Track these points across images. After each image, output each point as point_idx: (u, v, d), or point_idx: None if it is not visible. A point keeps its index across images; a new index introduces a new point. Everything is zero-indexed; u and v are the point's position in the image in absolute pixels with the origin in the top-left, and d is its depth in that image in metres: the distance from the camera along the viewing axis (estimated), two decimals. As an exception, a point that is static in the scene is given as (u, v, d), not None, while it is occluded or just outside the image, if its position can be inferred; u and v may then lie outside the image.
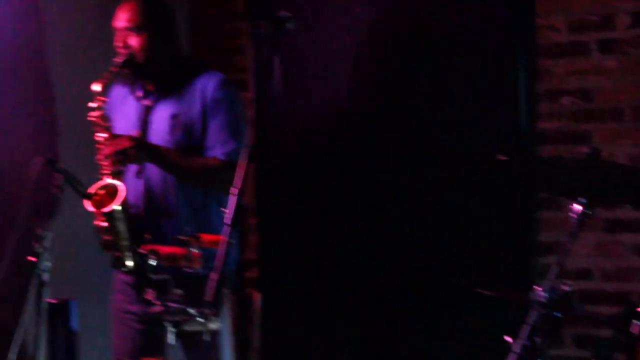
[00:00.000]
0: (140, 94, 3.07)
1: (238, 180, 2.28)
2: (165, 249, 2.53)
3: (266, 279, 3.86)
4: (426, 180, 3.78)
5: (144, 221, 2.97)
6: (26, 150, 3.41)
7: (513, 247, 3.64)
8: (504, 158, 2.14)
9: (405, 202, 3.82)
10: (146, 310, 2.53)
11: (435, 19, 3.78)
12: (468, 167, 3.68)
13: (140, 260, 2.51)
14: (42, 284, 2.59)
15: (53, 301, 2.70)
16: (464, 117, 3.71)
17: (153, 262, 2.49)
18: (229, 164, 2.93)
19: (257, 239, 3.94)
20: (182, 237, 2.47)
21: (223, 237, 2.28)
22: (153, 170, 3.00)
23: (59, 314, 2.64)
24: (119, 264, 2.95)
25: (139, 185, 3.02)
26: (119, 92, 3.12)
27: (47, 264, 2.62)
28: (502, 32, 3.63)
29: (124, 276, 3.06)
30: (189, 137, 3.00)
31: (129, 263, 2.92)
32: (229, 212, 2.24)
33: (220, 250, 2.20)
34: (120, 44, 2.99)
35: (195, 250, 2.48)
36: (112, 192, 2.91)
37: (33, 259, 2.58)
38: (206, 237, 2.49)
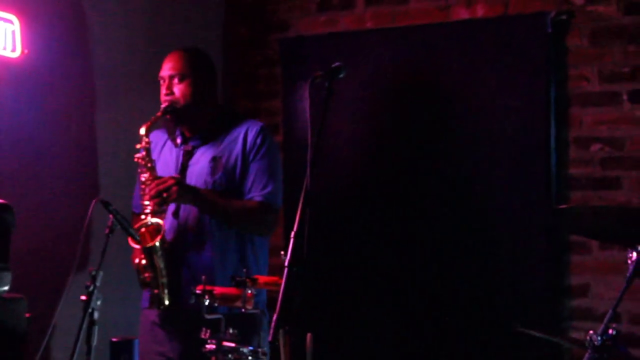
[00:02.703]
0: (179, 140, 3.16)
1: (295, 223, 2.33)
2: (219, 290, 2.57)
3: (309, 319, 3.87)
4: (460, 223, 3.83)
5: (180, 259, 3.03)
6: (74, 190, 3.48)
7: (542, 289, 3.68)
8: (563, 207, 2.19)
9: (440, 244, 3.87)
10: (197, 348, 2.57)
11: (468, 67, 3.87)
12: (502, 212, 3.74)
13: (195, 299, 2.55)
14: (92, 322, 2.61)
15: (116, 340, 2.73)
16: (495, 163, 3.78)
17: (207, 302, 2.53)
18: (266, 206, 3.04)
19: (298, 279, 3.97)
20: (238, 278, 2.52)
21: (278, 279, 2.33)
22: (190, 211, 3.07)
23: (122, 353, 2.65)
24: (157, 302, 3.00)
25: (176, 225, 3.08)
26: (159, 138, 3.22)
27: (98, 302, 2.64)
28: (535, 80, 3.71)
29: (152, 316, 3.11)
30: (229, 179, 3.08)
31: (167, 302, 2.97)
32: (287, 255, 2.29)
33: (280, 291, 2.24)
34: (165, 91, 3.09)
35: (250, 291, 2.52)
36: (152, 230, 2.99)
37: (84, 297, 2.61)
38: (262, 279, 2.53)
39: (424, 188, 3.92)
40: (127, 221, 2.75)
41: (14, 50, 3.20)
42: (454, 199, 3.85)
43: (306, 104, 2.40)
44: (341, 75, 2.53)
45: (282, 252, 2.31)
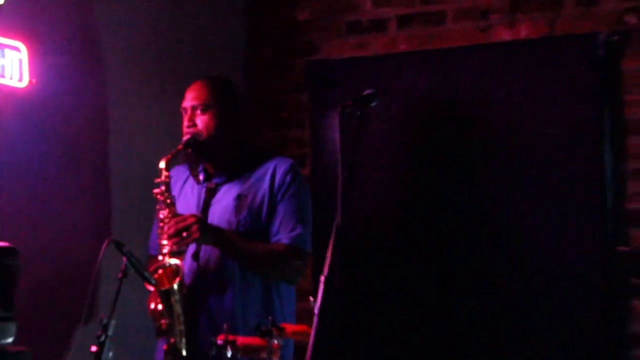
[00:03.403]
0: (202, 177, 3.16)
1: (325, 265, 2.31)
2: (242, 340, 2.55)
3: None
4: (505, 264, 3.80)
5: (200, 305, 3.01)
6: (84, 230, 3.48)
7: (600, 339, 3.62)
8: (624, 249, 2.15)
9: (485, 288, 3.84)
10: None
11: (512, 93, 3.86)
12: (552, 253, 3.70)
13: (216, 350, 2.52)
14: (104, 374, 2.59)
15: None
16: (544, 198, 3.75)
17: (229, 353, 2.50)
18: (295, 250, 3.02)
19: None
20: (263, 327, 2.49)
21: (307, 328, 2.30)
22: (211, 253, 3.05)
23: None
24: (173, 352, 2.97)
25: (196, 267, 3.06)
26: (180, 174, 3.22)
27: (110, 354, 2.62)
28: (586, 107, 3.69)
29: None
30: (254, 220, 3.06)
31: (184, 352, 2.94)
32: (317, 301, 2.26)
33: (309, 341, 2.21)
34: (187, 123, 3.10)
35: (276, 342, 2.49)
36: (170, 272, 2.97)
37: (95, 348, 2.59)
38: (290, 328, 2.50)
39: (465, 226, 3.89)
40: (141, 264, 2.74)
41: (20, 80, 3.20)
42: (498, 238, 3.82)
43: (336, 134, 2.39)
44: (373, 104, 2.52)
45: (311, 298, 2.29)
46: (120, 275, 2.65)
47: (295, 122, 4.36)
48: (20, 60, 3.20)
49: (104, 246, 2.65)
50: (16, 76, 3.20)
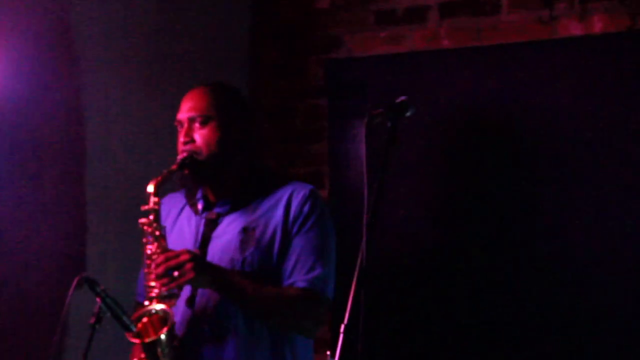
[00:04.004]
0: (200, 206, 3.17)
1: (346, 311, 2.32)
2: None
3: None
4: (570, 295, 3.87)
5: (196, 356, 3.02)
6: (50, 263, 3.50)
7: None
8: None
9: (541, 321, 3.90)
10: None
11: (582, 97, 3.89)
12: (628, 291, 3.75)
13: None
14: None
15: None
16: (622, 220, 3.80)
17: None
18: (312, 295, 3.01)
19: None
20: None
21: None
22: (209, 298, 3.06)
23: None
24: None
25: (189, 316, 3.07)
26: (175, 203, 3.22)
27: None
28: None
29: None
30: (263, 258, 3.06)
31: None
32: (336, 355, 2.27)
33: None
34: (183, 139, 3.10)
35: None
36: (156, 320, 2.98)
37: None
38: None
39: (518, 257, 3.92)
40: (120, 307, 2.75)
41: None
42: (562, 269, 3.87)
43: (361, 148, 2.41)
44: (408, 113, 2.54)
45: (329, 353, 2.29)
46: (92, 320, 2.67)
47: (310, 134, 4.39)
48: (-22, 56, 3.26)
49: (73, 284, 2.67)
50: (-28, 75, 3.25)
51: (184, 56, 4.06)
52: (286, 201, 3.09)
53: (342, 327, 2.31)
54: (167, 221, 3.14)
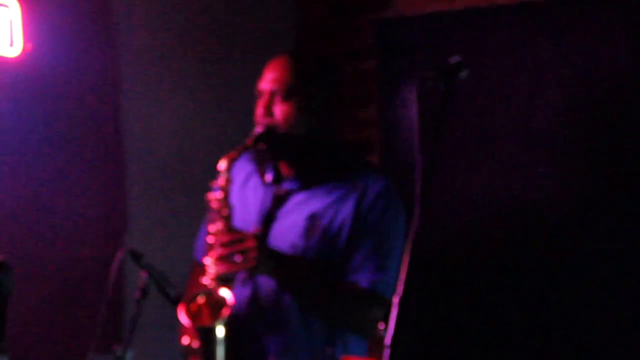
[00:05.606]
0: (269, 177, 3.17)
1: (400, 285, 2.33)
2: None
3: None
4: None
5: (246, 342, 3.04)
6: (93, 238, 3.54)
7: None
8: None
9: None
10: None
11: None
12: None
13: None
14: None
15: None
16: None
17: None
18: (373, 297, 2.98)
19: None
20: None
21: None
22: (264, 284, 3.05)
23: None
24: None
25: (245, 294, 3.07)
26: (241, 169, 3.17)
27: (126, 391, 2.68)
28: None
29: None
30: (327, 248, 3.03)
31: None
32: (389, 329, 2.28)
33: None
34: (261, 111, 3.07)
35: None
36: (214, 303, 2.96)
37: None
38: (353, 362, 2.53)
39: (599, 241, 3.90)
40: (166, 280, 2.77)
41: (11, 45, 3.23)
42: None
43: (413, 113, 2.40)
44: (463, 75, 2.53)
45: (382, 325, 2.30)
46: (138, 294, 2.70)
47: (358, 98, 4.38)
48: (11, 21, 3.23)
49: (117, 257, 2.70)
50: (5, 41, 3.22)
51: (226, 17, 4.05)
52: (359, 193, 3.05)
53: (396, 299, 2.32)
54: (232, 189, 3.09)
